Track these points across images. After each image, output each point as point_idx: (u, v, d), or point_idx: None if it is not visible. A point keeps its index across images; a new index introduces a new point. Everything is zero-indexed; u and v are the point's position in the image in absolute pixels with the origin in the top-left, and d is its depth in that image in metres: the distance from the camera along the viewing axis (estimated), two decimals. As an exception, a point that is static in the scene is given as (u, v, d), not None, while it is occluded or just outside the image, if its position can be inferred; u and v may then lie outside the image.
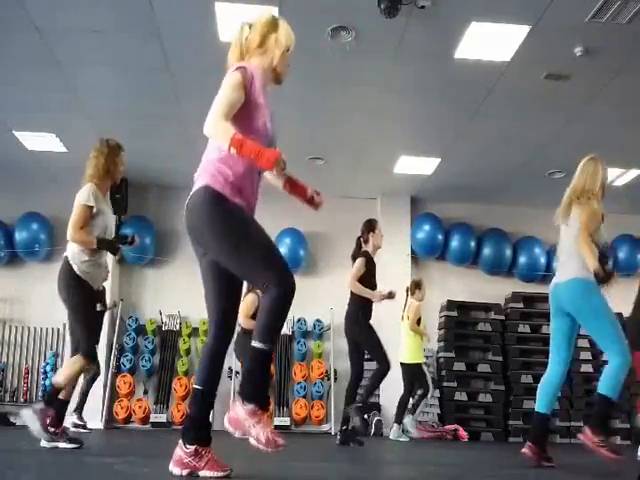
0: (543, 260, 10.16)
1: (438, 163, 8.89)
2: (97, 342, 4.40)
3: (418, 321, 8.02)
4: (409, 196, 10.19)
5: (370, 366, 6.48)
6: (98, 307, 4.57)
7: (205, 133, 2.63)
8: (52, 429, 4.25)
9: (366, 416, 8.98)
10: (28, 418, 4.03)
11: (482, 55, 6.23)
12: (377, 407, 9.16)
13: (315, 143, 8.36)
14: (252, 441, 2.48)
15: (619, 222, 9.49)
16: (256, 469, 3.35)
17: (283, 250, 9.72)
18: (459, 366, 9.52)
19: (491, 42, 6.01)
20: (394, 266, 9.44)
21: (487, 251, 10.12)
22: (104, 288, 4.56)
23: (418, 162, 8.94)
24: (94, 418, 8.46)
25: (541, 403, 4.05)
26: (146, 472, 3.15)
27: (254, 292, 6.89)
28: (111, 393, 9.22)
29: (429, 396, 8.09)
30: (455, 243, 10.08)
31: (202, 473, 2.58)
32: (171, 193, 9.86)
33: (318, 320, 9.79)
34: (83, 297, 4.29)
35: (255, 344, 2.53)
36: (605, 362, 9.48)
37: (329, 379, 9.51)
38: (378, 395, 9.21)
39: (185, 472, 2.60)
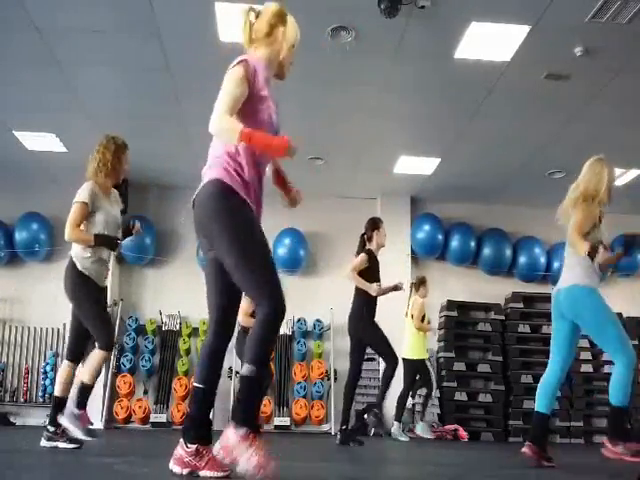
0: (543, 260, 10.16)
1: (438, 163, 8.89)
2: (112, 331, 4.38)
3: (422, 318, 8.04)
4: (409, 196, 10.19)
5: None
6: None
7: (211, 131, 2.59)
8: (52, 428, 4.26)
9: (365, 416, 8.99)
10: (69, 427, 4.11)
11: (482, 55, 6.23)
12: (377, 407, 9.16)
13: (315, 143, 8.35)
14: (240, 467, 2.43)
15: (619, 222, 9.43)
16: (256, 469, 3.34)
17: (283, 250, 9.73)
18: (459, 366, 9.52)
19: (491, 42, 6.01)
20: (394, 266, 9.42)
21: (487, 251, 10.12)
22: (106, 287, 4.55)
23: (418, 162, 8.94)
24: (94, 418, 8.45)
25: (540, 403, 4.05)
26: (146, 472, 3.14)
27: None
28: (111, 393, 9.22)
29: (433, 394, 8.08)
30: (455, 243, 10.08)
31: (202, 473, 2.57)
32: (171, 193, 9.87)
33: (318, 320, 9.79)
34: (89, 293, 4.29)
35: (248, 370, 2.51)
36: (606, 362, 9.52)
37: (329, 379, 9.51)
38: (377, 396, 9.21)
39: (185, 471, 2.60)
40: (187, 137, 8.04)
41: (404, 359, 7.77)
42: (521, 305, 9.86)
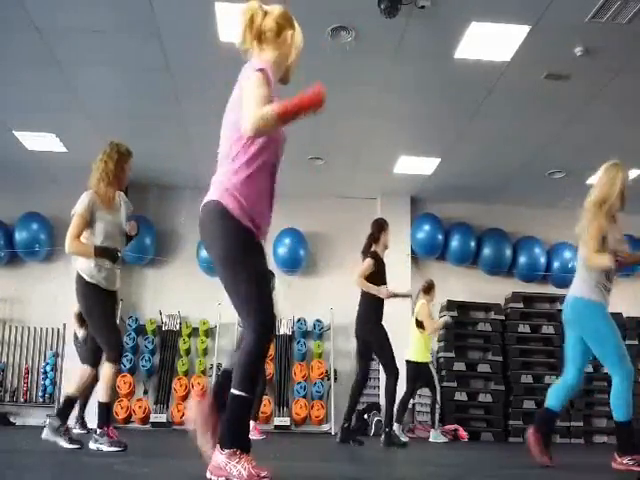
0: (543, 260, 10.16)
1: (438, 163, 8.89)
2: (120, 343, 4.38)
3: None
4: (409, 196, 10.19)
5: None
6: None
7: (254, 128, 2.42)
8: (57, 422, 4.26)
9: (366, 416, 8.99)
10: (99, 445, 4.17)
11: (482, 55, 6.23)
12: (377, 407, 9.15)
13: (315, 143, 8.36)
14: None
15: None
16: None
17: (283, 250, 9.73)
18: (459, 366, 9.52)
19: (491, 42, 6.01)
20: (394, 266, 9.36)
21: (487, 251, 10.12)
22: (117, 290, 4.55)
23: (418, 162, 8.95)
24: (94, 418, 8.44)
25: (550, 398, 4.07)
26: (146, 472, 3.14)
27: None
28: (111, 393, 9.21)
29: (438, 399, 8.03)
30: (455, 243, 10.08)
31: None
32: (171, 193, 9.88)
33: (318, 320, 9.79)
34: (97, 304, 4.29)
35: (235, 391, 2.46)
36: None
37: (329, 379, 9.52)
38: (378, 395, 9.22)
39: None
40: (187, 137, 8.04)
41: (408, 361, 7.78)
42: (521, 305, 9.85)
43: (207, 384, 9.17)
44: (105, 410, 4.32)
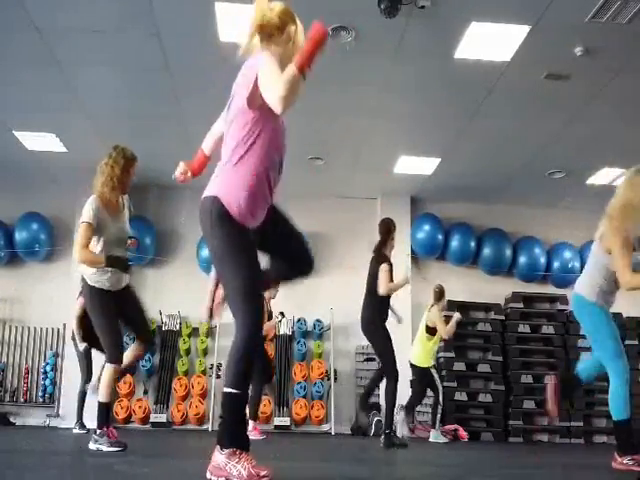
0: (543, 260, 10.15)
1: (438, 163, 8.89)
2: (120, 343, 4.40)
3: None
4: (409, 196, 10.18)
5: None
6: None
7: (284, 96, 2.42)
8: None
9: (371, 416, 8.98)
10: (99, 445, 4.18)
11: (482, 55, 6.23)
12: (377, 407, 9.15)
13: (315, 143, 8.36)
14: None
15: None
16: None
17: (283, 250, 9.72)
18: (459, 366, 9.51)
19: (491, 42, 6.01)
20: (394, 266, 9.41)
21: (487, 251, 10.12)
22: (125, 287, 4.60)
23: (418, 162, 8.94)
24: (94, 418, 8.45)
25: (580, 368, 4.20)
26: (146, 472, 3.15)
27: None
28: (111, 393, 9.21)
29: (440, 400, 8.00)
30: (455, 243, 10.07)
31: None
32: (171, 193, 9.87)
33: (318, 320, 9.79)
34: (97, 304, 4.37)
35: (226, 389, 2.49)
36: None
37: (329, 379, 9.52)
38: (378, 395, 9.21)
39: None
40: (187, 137, 8.03)
41: (411, 364, 7.80)
42: (521, 305, 9.85)
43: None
44: (105, 410, 4.33)
